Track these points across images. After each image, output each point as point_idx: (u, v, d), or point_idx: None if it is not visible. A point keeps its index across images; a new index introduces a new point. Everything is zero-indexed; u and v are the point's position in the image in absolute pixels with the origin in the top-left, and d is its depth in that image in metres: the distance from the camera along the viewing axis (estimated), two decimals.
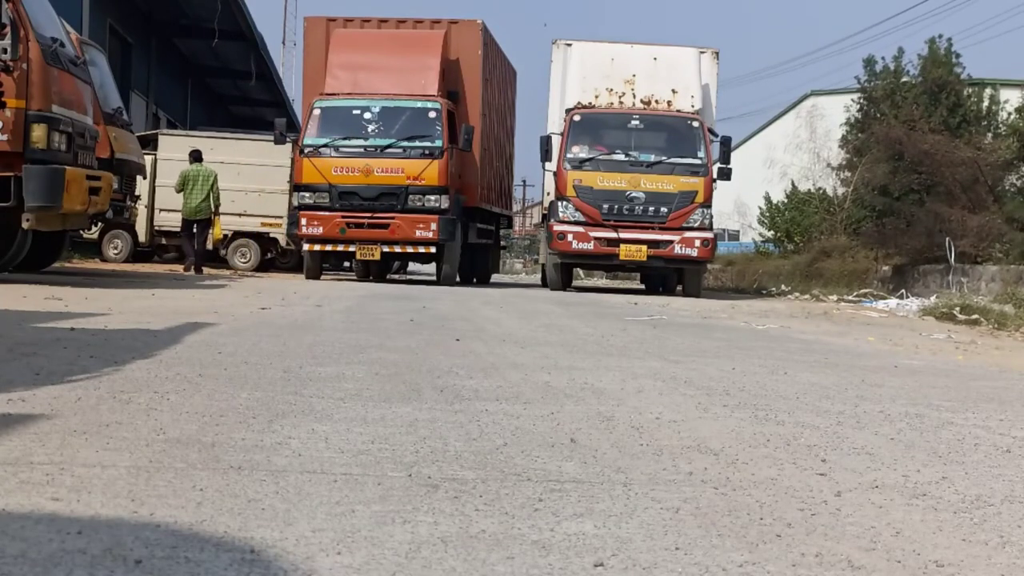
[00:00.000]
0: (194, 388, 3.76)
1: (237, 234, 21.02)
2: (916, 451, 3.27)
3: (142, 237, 20.96)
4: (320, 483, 2.44)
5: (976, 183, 20.57)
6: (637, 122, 17.04)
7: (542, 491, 2.47)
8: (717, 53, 18.64)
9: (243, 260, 21.08)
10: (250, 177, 20.56)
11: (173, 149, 20.72)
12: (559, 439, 3.14)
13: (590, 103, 17.36)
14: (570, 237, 16.38)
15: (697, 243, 16.34)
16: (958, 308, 12.34)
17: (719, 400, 4.20)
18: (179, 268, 18.78)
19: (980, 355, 7.65)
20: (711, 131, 17.44)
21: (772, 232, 32.96)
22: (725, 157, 17.28)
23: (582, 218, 16.44)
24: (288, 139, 18.11)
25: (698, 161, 16.62)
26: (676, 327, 8.91)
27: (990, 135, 22.69)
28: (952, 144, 20.63)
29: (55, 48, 10.15)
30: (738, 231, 45.32)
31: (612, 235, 16.33)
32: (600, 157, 16.75)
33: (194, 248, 17.61)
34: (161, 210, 20.75)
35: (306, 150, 16.84)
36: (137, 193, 16.12)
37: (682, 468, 2.82)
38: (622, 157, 16.70)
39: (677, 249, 16.32)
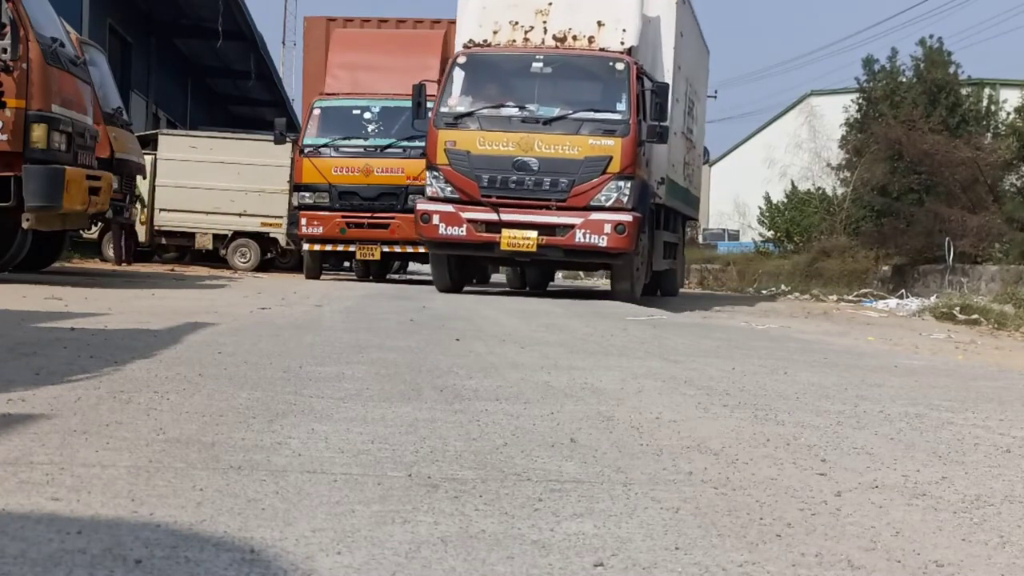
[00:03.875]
0: (194, 388, 3.75)
1: (237, 234, 21.02)
2: (916, 451, 3.27)
3: (142, 237, 20.96)
4: (320, 483, 2.44)
5: (976, 183, 20.61)
6: (541, 64, 12.51)
7: (542, 491, 2.47)
8: None
9: (243, 260, 21.08)
10: (250, 177, 20.56)
11: (173, 149, 20.74)
12: (559, 439, 3.14)
13: (485, 40, 12.90)
14: (436, 219, 12.16)
15: (607, 228, 11.81)
16: (958, 308, 12.36)
17: (719, 400, 4.20)
18: (176, 267, 19.14)
19: (980, 355, 7.66)
20: (646, 76, 12.82)
21: (772, 232, 33.04)
22: (660, 111, 12.46)
23: (453, 194, 12.21)
24: (288, 139, 18.17)
25: (617, 116, 12.06)
26: (676, 327, 8.90)
27: (989, 135, 22.73)
28: (951, 144, 20.67)
29: (55, 48, 10.16)
30: (738, 231, 45.43)
31: (491, 217, 12.03)
32: (483, 112, 12.31)
33: (122, 244, 18.55)
34: (161, 210, 20.76)
35: (306, 150, 16.87)
36: (137, 193, 16.16)
37: (682, 468, 2.82)
38: (514, 111, 12.27)
39: (579, 236, 11.87)
